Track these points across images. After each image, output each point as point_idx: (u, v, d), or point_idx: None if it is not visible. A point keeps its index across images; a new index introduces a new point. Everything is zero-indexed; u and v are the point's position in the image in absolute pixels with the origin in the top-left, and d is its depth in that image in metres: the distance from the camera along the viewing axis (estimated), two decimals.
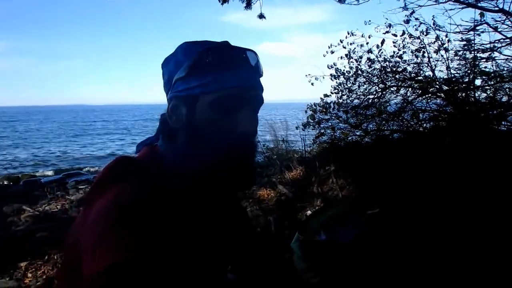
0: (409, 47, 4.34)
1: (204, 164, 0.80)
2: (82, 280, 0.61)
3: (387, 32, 4.37)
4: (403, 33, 4.29)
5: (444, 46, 4.11)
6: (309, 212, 3.91)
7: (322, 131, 4.59)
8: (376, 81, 4.56)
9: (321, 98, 4.73)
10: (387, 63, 4.48)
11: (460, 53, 4.12)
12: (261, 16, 4.37)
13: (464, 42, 4.01)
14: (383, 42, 4.42)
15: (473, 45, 3.96)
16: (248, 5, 4.68)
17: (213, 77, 0.77)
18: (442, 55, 4.15)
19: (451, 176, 2.83)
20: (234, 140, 0.79)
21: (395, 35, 4.34)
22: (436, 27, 4.04)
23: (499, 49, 3.89)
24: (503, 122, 3.92)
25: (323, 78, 4.80)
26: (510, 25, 3.71)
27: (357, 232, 1.72)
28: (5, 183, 8.30)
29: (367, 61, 4.49)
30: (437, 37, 4.14)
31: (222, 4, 4.54)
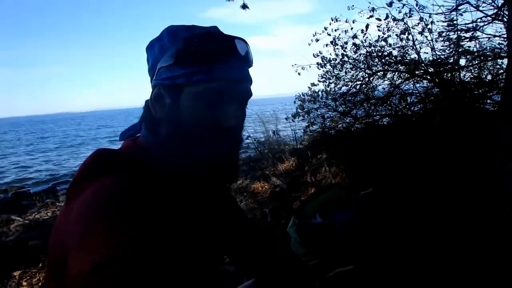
0: (393, 30, 4.35)
1: (187, 157, 0.77)
2: (69, 280, 0.58)
3: (371, 16, 4.37)
4: (387, 16, 4.30)
5: (428, 27, 4.13)
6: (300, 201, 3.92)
7: (312, 120, 4.58)
8: (362, 67, 4.56)
9: (308, 87, 4.72)
10: (373, 48, 4.49)
11: (443, 34, 4.16)
12: (244, 6, 4.31)
13: (448, 22, 4.05)
14: (367, 27, 4.43)
15: (456, 25, 3.99)
16: None
17: (200, 67, 0.73)
18: (426, 37, 4.18)
19: (441, 156, 2.85)
20: (219, 134, 0.76)
21: (379, 19, 4.35)
22: (420, 8, 4.05)
23: (481, 28, 3.93)
24: (488, 101, 3.96)
25: (310, 67, 4.78)
26: (491, 3, 3.75)
27: (353, 213, 1.71)
28: None
29: (353, 46, 4.49)
30: (421, 19, 4.16)
31: None
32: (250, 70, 0.84)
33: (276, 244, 1.13)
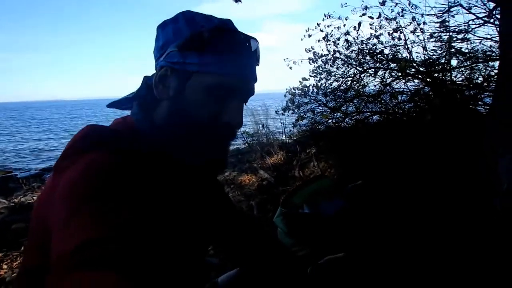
0: (386, 28, 4.37)
1: (180, 143, 0.77)
2: (52, 260, 0.55)
3: (363, 14, 4.39)
4: (379, 15, 4.32)
5: (420, 27, 4.16)
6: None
7: (302, 114, 4.58)
8: (354, 63, 4.57)
9: (299, 81, 4.72)
10: (364, 45, 4.50)
11: (435, 34, 4.19)
12: (236, 0, 4.30)
13: (440, 24, 4.08)
14: (359, 25, 4.44)
15: (448, 26, 4.03)
16: None
17: (213, 58, 0.73)
18: (418, 36, 4.21)
19: (430, 153, 2.89)
20: (217, 127, 0.76)
21: (371, 18, 4.37)
22: (412, 7, 4.07)
23: (473, 30, 3.97)
24: (479, 103, 4.02)
25: (301, 62, 4.78)
26: (483, 6, 3.80)
27: (341, 204, 1.72)
28: None
29: (345, 43, 4.50)
30: (413, 18, 4.19)
31: None
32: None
33: (265, 232, 1.13)
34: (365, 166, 3.27)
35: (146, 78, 0.83)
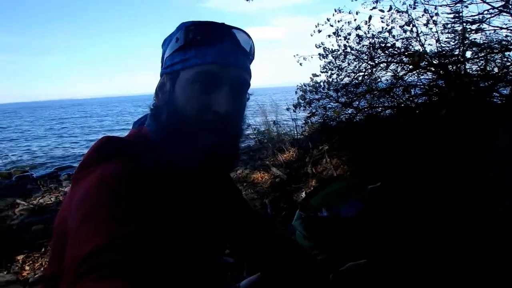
0: (397, 22, 4.31)
1: (183, 142, 0.77)
2: (65, 264, 0.57)
3: (374, 8, 4.32)
4: (390, 8, 4.26)
5: (433, 19, 4.09)
6: (304, 193, 3.92)
7: (314, 111, 4.56)
8: (365, 58, 4.53)
9: (310, 77, 4.69)
10: (376, 39, 4.45)
11: (448, 25, 4.12)
12: None
13: (453, 15, 4.01)
14: (370, 18, 4.38)
15: (461, 17, 3.95)
16: None
17: (195, 52, 0.76)
18: (431, 29, 4.13)
19: (447, 149, 2.85)
20: (207, 120, 0.76)
21: (382, 11, 4.31)
22: (426, 0, 4.01)
23: (488, 20, 3.88)
24: (494, 94, 3.95)
25: (312, 58, 4.75)
26: None
27: (360, 206, 1.71)
28: None
29: (356, 37, 4.45)
30: (425, 10, 4.11)
31: None
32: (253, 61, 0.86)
33: (283, 236, 1.13)
34: (379, 163, 3.24)
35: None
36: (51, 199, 5.38)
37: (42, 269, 3.11)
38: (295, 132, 5.96)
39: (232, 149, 0.83)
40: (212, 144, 0.76)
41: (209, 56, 0.75)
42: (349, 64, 4.63)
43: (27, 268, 3.18)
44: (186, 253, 0.76)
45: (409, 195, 2.09)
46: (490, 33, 4.00)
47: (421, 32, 4.18)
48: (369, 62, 4.49)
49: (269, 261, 1.07)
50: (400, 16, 4.26)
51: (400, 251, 1.52)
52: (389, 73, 4.52)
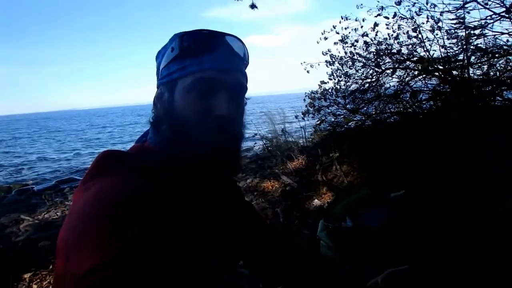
0: (403, 28, 4.34)
1: (185, 149, 0.77)
2: (67, 279, 0.57)
3: (379, 15, 4.37)
4: (395, 15, 4.30)
5: (438, 25, 4.12)
6: (316, 201, 3.90)
7: (323, 118, 4.57)
8: (372, 64, 4.54)
9: (319, 85, 4.71)
10: (382, 46, 4.47)
11: (452, 31, 4.15)
12: (252, 6, 4.28)
13: (456, 20, 4.03)
14: (375, 25, 4.42)
15: (464, 23, 3.98)
16: None
17: (191, 60, 0.76)
18: (436, 35, 4.16)
19: (459, 153, 2.84)
20: (211, 123, 0.76)
21: (387, 18, 4.35)
22: (431, 7, 4.03)
23: (489, 25, 3.92)
24: (497, 98, 3.97)
25: (318, 65, 4.77)
26: (499, 1, 3.74)
27: (384, 215, 1.69)
28: None
29: (363, 44, 4.47)
30: (431, 17, 4.15)
31: None
32: (250, 68, 0.88)
33: (296, 246, 1.11)
34: (390, 169, 3.23)
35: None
36: (57, 213, 5.27)
37: (50, 287, 3.04)
38: (304, 139, 5.95)
39: (235, 150, 0.83)
40: (215, 146, 0.76)
41: (205, 63, 0.76)
42: (357, 70, 4.65)
43: (34, 287, 3.08)
44: (194, 264, 0.74)
45: (431, 202, 2.07)
46: (491, 38, 4.04)
47: (426, 37, 4.22)
48: (375, 68, 4.51)
49: (285, 273, 1.04)
50: (406, 22, 4.30)
51: (434, 258, 1.49)
52: (395, 79, 4.55)
